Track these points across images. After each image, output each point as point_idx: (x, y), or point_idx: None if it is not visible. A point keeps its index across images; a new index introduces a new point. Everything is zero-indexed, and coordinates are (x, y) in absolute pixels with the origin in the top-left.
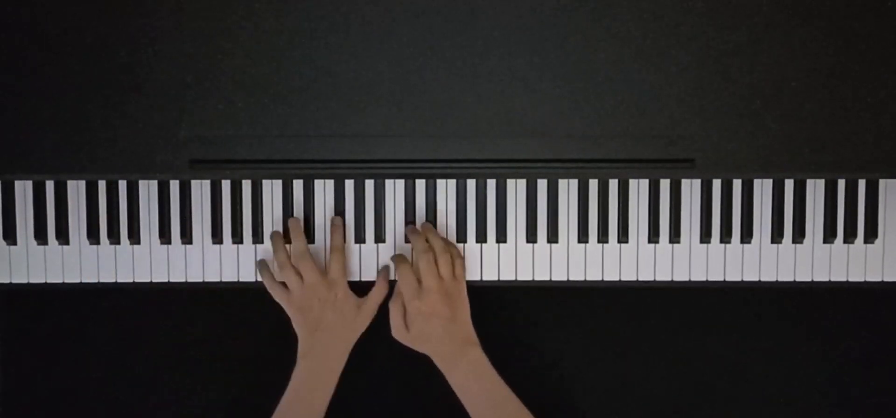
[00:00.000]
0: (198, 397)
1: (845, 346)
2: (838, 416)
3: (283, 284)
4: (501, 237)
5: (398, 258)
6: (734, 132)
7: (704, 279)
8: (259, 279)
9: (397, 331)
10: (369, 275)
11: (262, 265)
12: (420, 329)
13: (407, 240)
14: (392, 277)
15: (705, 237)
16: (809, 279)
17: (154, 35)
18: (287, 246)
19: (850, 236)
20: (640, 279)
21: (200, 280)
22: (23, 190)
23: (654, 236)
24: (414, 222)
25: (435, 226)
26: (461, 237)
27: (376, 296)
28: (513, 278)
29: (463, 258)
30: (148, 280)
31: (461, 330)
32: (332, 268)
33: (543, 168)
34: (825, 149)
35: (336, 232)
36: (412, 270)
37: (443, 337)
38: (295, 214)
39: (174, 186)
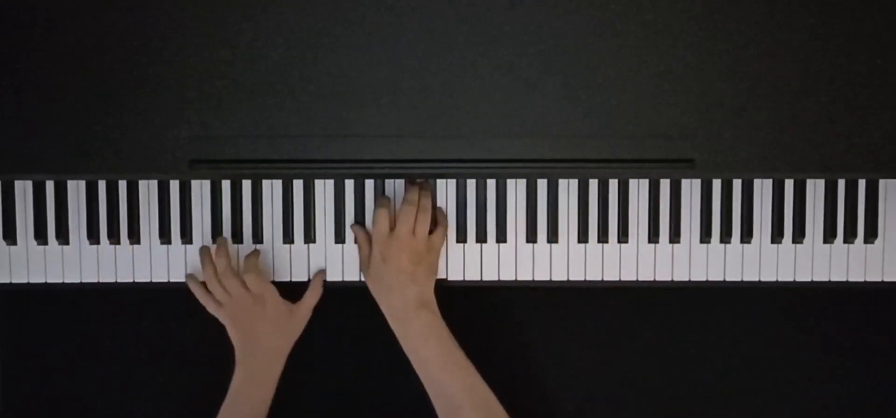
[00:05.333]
0: (197, 397)
1: (845, 346)
2: (838, 416)
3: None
4: (501, 237)
5: (382, 199)
6: (734, 132)
7: (704, 279)
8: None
9: (363, 268)
10: None
11: (190, 278)
12: (376, 272)
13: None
14: (329, 278)
15: (705, 237)
16: (809, 279)
17: (154, 35)
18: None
19: (850, 236)
20: (640, 279)
21: (200, 280)
22: (23, 190)
23: (654, 236)
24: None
25: None
26: (461, 237)
27: (309, 300)
28: (513, 278)
29: (446, 230)
30: (148, 280)
31: (417, 290)
32: (251, 285)
33: (543, 168)
34: (825, 149)
35: (249, 254)
36: (389, 215)
37: (395, 289)
38: (295, 214)
39: (174, 186)
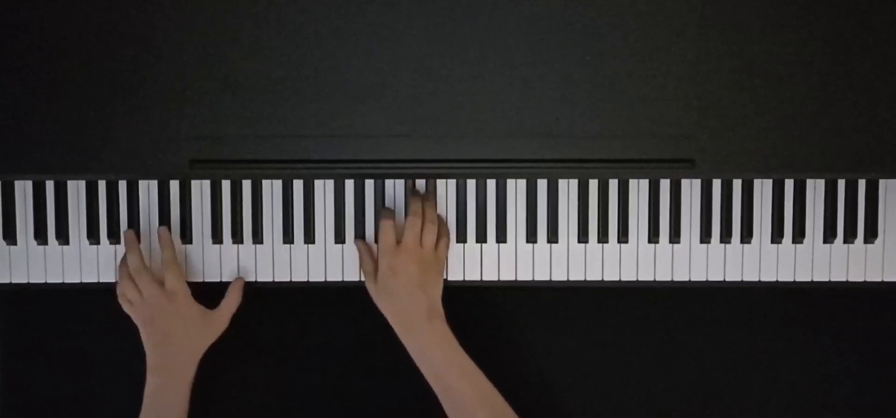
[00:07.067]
0: (196, 397)
1: (845, 346)
2: (838, 416)
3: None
4: (501, 237)
5: (386, 211)
6: (734, 132)
7: (704, 279)
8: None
9: (367, 280)
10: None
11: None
12: (385, 284)
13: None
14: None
15: (705, 237)
16: (809, 279)
17: (154, 35)
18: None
19: (850, 236)
20: (640, 279)
21: (200, 280)
22: (23, 190)
23: (654, 236)
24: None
25: None
26: (461, 237)
27: (227, 306)
28: (513, 278)
29: (449, 240)
30: None
31: (427, 299)
32: (167, 280)
33: (543, 168)
34: (825, 149)
35: (164, 244)
36: (395, 226)
37: (405, 299)
38: (295, 214)
39: (174, 186)
